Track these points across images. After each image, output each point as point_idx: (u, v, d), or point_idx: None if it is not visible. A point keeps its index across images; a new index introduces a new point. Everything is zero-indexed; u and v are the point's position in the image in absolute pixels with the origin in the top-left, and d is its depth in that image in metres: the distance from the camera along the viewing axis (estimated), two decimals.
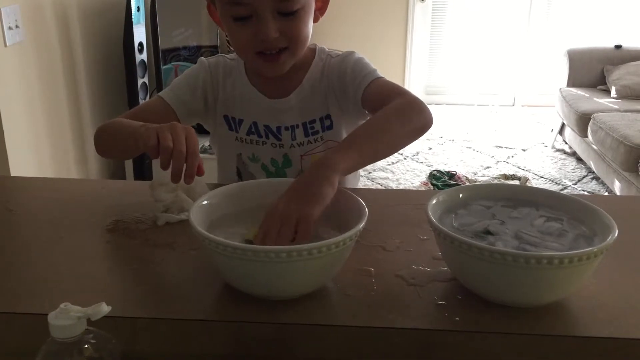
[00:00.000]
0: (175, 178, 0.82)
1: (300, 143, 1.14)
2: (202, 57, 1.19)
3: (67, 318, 0.55)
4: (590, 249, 0.67)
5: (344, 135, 1.16)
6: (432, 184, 3.44)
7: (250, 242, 0.76)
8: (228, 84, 1.15)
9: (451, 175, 3.55)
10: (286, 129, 1.13)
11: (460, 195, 0.84)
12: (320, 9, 1.08)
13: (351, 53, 1.13)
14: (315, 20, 1.07)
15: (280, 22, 0.99)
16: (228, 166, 1.20)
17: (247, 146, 1.16)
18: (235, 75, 1.15)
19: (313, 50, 1.14)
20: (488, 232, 0.76)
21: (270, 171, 1.16)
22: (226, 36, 4.28)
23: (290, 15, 0.99)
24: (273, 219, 0.75)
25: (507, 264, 0.66)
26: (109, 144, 1.09)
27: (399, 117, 0.97)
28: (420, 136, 1.01)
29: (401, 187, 3.44)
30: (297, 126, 1.13)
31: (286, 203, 0.76)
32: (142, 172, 2.77)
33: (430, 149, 4.00)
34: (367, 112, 1.10)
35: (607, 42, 4.15)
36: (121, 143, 1.02)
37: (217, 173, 1.26)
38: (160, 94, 1.15)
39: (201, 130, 1.29)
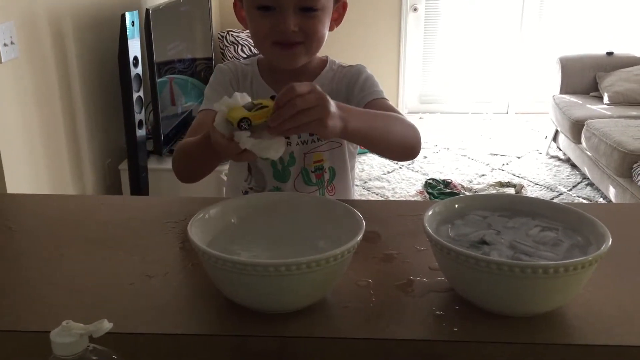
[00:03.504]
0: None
1: (305, 141, 1.18)
2: (219, 64, 1.26)
3: (69, 335, 0.55)
4: (584, 257, 0.68)
5: None
6: (428, 193, 3.45)
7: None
8: (245, 86, 1.21)
9: (446, 183, 3.56)
10: None
11: (456, 206, 0.85)
12: (336, 20, 1.15)
13: (363, 67, 1.20)
14: (330, 29, 1.13)
15: (300, 18, 1.05)
16: (240, 164, 1.24)
17: None
18: (251, 77, 1.21)
19: (325, 61, 1.21)
20: (484, 242, 0.77)
21: (278, 169, 1.20)
22: (221, 48, 4.28)
23: (311, 12, 1.05)
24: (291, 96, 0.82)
25: (503, 274, 0.67)
26: (186, 164, 1.13)
27: (404, 127, 1.06)
28: (405, 158, 1.12)
29: (397, 196, 3.45)
30: None
31: (330, 101, 0.84)
32: (139, 187, 2.77)
33: (426, 157, 4.02)
34: None
35: (598, 49, 4.19)
36: (199, 158, 1.07)
37: (229, 171, 1.31)
38: (200, 108, 1.21)
39: None
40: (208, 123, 1.15)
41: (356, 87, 1.16)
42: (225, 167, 1.37)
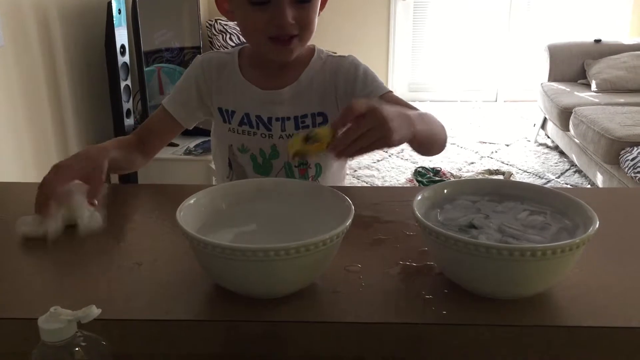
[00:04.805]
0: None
1: (290, 135, 1.16)
2: (198, 55, 1.24)
3: (57, 322, 0.55)
4: (572, 240, 0.68)
5: (338, 133, 1.19)
6: (417, 181, 3.46)
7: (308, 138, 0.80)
8: (222, 77, 1.19)
9: (436, 171, 3.57)
10: (277, 120, 1.16)
11: (446, 191, 0.85)
12: (322, 6, 1.13)
13: (356, 58, 1.18)
14: None
15: (295, 10, 1.03)
16: (222, 158, 1.24)
17: (238, 137, 1.19)
18: (229, 69, 1.19)
19: (312, 50, 1.19)
20: (472, 226, 0.77)
21: (258, 162, 1.19)
22: (209, 37, 4.22)
23: (305, 4, 1.04)
24: (372, 117, 0.78)
25: (491, 257, 0.67)
26: None
27: (438, 124, 1.05)
28: (439, 153, 1.09)
29: (387, 184, 3.46)
30: (288, 118, 1.16)
31: (390, 117, 0.79)
32: (127, 176, 2.75)
33: None
34: None
35: (586, 37, 4.20)
36: None
37: (214, 165, 1.31)
38: (162, 101, 1.22)
39: (186, 133, 1.30)
40: (161, 121, 1.21)
41: (357, 83, 1.14)
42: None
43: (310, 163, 1.19)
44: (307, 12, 1.05)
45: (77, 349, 0.57)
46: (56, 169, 0.94)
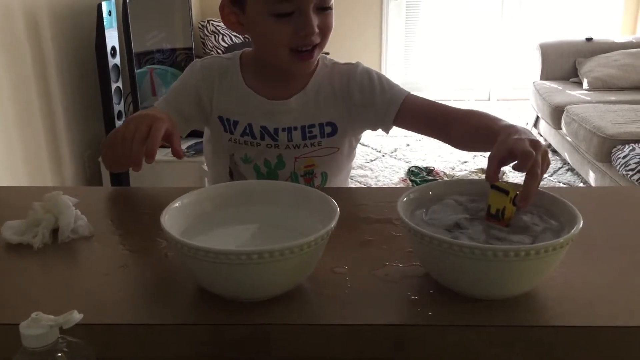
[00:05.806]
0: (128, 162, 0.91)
1: (297, 145, 1.14)
2: (196, 59, 1.19)
3: (38, 327, 0.55)
4: (555, 240, 0.68)
5: (347, 142, 1.18)
6: (411, 180, 3.47)
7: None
8: (224, 85, 1.14)
9: (429, 170, 3.58)
10: (283, 130, 1.13)
11: (431, 192, 0.85)
12: None
13: (362, 64, 1.16)
14: None
15: (318, 18, 1.02)
16: (221, 166, 1.20)
17: (240, 147, 1.15)
18: (231, 76, 1.15)
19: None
20: (458, 227, 0.78)
21: (262, 172, 1.16)
22: (201, 38, 4.20)
23: (326, 11, 1.03)
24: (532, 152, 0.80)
25: (475, 257, 0.68)
26: (109, 155, 1.09)
27: None
28: None
29: (380, 184, 3.46)
30: (295, 128, 1.13)
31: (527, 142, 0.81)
32: (119, 178, 2.74)
33: (408, 145, 4.03)
34: (396, 121, 1.14)
35: (578, 35, 4.22)
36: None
37: (209, 173, 1.26)
38: (155, 104, 1.16)
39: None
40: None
41: (375, 90, 1.13)
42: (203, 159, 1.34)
43: (316, 172, 1.17)
44: (328, 19, 1.03)
45: (59, 354, 0.56)
46: (148, 117, 0.95)
